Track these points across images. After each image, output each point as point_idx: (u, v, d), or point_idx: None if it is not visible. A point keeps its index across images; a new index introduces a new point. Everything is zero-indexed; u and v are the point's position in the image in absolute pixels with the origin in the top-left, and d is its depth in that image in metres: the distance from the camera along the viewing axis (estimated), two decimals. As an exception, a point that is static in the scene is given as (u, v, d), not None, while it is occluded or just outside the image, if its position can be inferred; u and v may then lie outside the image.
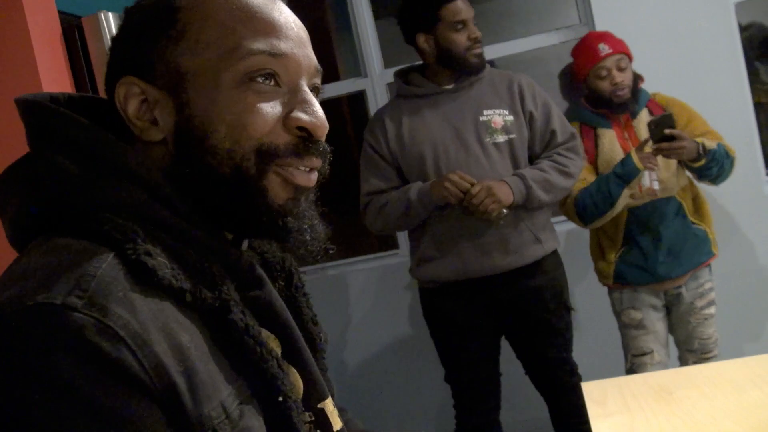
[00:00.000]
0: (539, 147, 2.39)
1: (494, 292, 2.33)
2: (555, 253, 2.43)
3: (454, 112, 2.35)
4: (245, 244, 0.82)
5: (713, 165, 2.35)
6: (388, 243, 3.33)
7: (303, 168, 0.75)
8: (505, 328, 2.43)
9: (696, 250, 2.46)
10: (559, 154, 2.36)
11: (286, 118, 0.74)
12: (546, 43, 3.07)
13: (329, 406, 0.82)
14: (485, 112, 2.34)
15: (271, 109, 0.73)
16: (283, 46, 0.74)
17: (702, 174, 2.40)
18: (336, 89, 3.23)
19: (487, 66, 2.41)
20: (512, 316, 2.38)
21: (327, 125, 0.76)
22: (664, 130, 2.29)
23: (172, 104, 0.73)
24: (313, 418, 0.79)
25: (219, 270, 0.71)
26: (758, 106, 2.96)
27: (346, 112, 3.85)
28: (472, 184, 2.20)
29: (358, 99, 3.29)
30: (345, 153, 3.80)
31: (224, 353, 0.69)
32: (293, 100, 0.75)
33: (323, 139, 0.76)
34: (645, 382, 1.28)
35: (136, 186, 0.70)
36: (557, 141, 2.38)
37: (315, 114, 0.75)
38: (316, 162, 0.76)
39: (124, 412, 0.59)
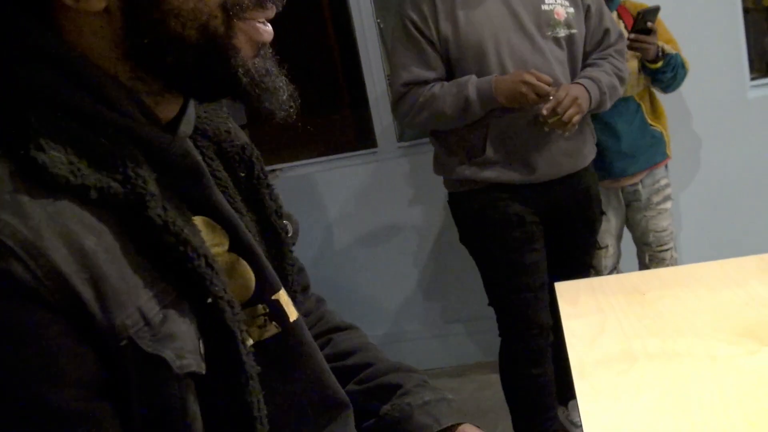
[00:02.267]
0: (590, 45, 2.19)
1: (551, 195, 2.16)
2: None
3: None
4: (189, 129, 0.75)
5: (668, 70, 2.43)
6: (366, 142, 3.28)
7: (267, 17, 0.70)
8: (553, 233, 2.23)
9: (652, 150, 2.55)
10: (614, 56, 2.18)
11: None
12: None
13: (283, 297, 0.78)
14: (547, 0, 2.08)
15: None
16: None
17: (656, 77, 2.47)
18: (315, -20, 3.10)
19: None
20: (563, 220, 2.23)
21: None
22: (647, 22, 2.31)
23: None
24: (267, 310, 0.76)
25: (137, 160, 0.63)
26: (746, 12, 2.92)
27: (326, 9, 3.72)
28: (550, 87, 1.98)
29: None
30: (323, 48, 3.70)
31: (144, 254, 0.62)
32: None
33: None
34: (618, 283, 1.27)
35: (47, 67, 0.62)
36: (610, 41, 2.19)
37: None
38: (275, 11, 0.71)
39: (21, 327, 0.54)
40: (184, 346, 0.63)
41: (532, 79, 1.96)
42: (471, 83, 2.02)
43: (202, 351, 0.65)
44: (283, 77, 0.73)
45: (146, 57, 0.65)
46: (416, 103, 2.07)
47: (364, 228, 3.16)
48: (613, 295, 1.22)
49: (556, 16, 2.06)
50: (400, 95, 2.11)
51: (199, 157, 0.74)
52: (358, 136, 3.72)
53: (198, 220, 0.70)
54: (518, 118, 2.06)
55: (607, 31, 2.18)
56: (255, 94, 0.70)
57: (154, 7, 0.64)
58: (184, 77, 0.67)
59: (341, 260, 3.20)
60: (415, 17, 2.05)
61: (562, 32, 2.07)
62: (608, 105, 2.16)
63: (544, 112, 1.99)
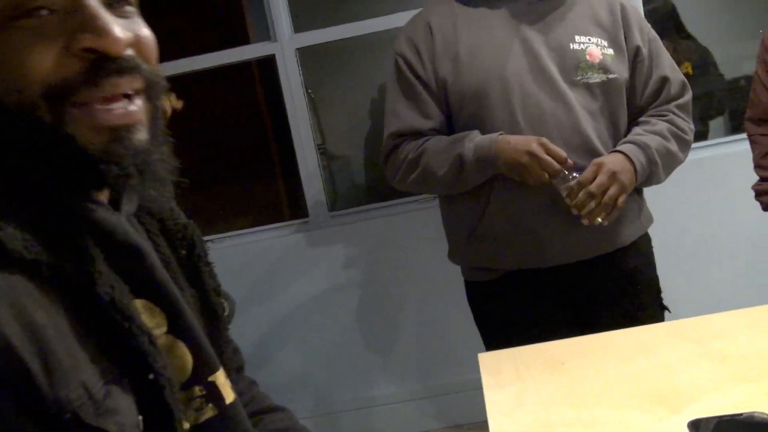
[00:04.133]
0: (644, 98, 1.75)
1: (575, 281, 1.76)
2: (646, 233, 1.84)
3: (535, 32, 1.68)
4: (131, 208, 0.76)
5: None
6: (298, 212, 3.29)
7: (106, 96, 0.65)
8: (580, 324, 1.76)
9: None
10: (675, 113, 1.74)
11: (68, 46, 0.63)
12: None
13: (220, 378, 0.78)
14: (578, 38, 1.68)
15: (48, 42, 0.63)
16: None
17: None
18: (244, 53, 3.14)
19: None
20: (593, 310, 1.79)
21: (120, 35, 0.64)
22: None
23: None
24: (204, 392, 0.76)
25: (85, 240, 0.65)
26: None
27: (256, 77, 3.76)
28: (564, 162, 1.58)
29: (268, 64, 3.22)
30: (254, 118, 3.73)
31: (89, 330, 0.63)
32: (73, 22, 0.64)
33: (124, 53, 0.65)
34: (538, 352, 1.30)
35: None
36: (670, 93, 1.75)
37: (98, 29, 0.63)
38: (126, 83, 0.66)
39: None
40: (125, 421, 0.63)
41: (539, 151, 1.58)
42: (469, 140, 1.65)
43: (141, 428, 0.66)
44: (161, 156, 0.71)
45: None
46: (406, 160, 1.73)
47: (298, 298, 3.14)
48: (534, 365, 1.24)
49: (588, 58, 1.66)
50: (390, 149, 1.77)
51: (141, 238, 0.74)
52: (290, 206, 3.72)
53: (138, 304, 0.70)
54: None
55: (665, 81, 1.74)
56: (119, 179, 0.67)
57: None
58: (34, 175, 0.65)
59: (278, 331, 3.16)
60: (409, 55, 1.74)
61: (595, 77, 1.66)
62: (663, 178, 1.73)
63: (563, 194, 1.61)
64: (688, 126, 1.76)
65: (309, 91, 3.15)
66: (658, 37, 1.78)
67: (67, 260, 0.62)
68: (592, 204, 1.60)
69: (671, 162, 1.73)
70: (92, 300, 0.63)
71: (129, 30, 0.67)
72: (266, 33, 3.13)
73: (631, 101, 1.75)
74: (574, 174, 1.62)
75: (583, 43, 1.67)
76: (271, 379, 3.08)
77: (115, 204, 0.74)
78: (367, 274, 3.09)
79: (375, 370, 3.14)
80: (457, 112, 1.71)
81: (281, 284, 3.12)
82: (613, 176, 1.59)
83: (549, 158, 1.58)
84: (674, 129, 1.72)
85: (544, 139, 1.60)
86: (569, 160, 1.61)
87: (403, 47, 1.76)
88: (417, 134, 1.74)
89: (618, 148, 1.68)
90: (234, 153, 3.62)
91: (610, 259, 1.74)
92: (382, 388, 3.14)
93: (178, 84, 3.02)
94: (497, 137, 1.63)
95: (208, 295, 0.85)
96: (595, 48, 1.67)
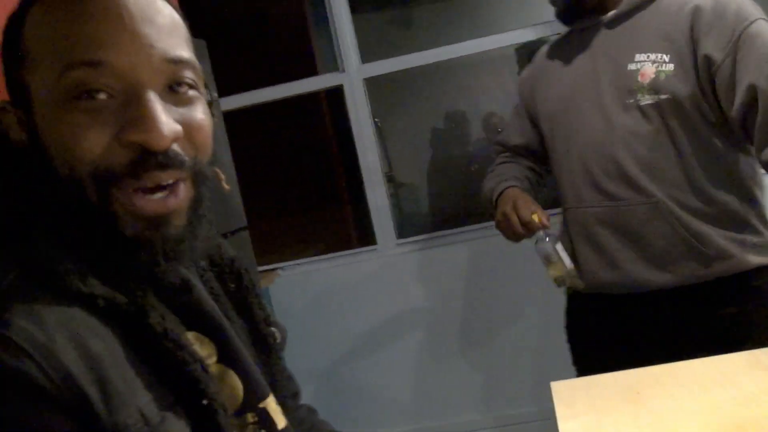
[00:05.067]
0: (735, 111, 1.50)
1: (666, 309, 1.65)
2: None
3: (602, 55, 1.64)
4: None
5: None
6: (367, 239, 3.32)
7: (148, 186, 0.69)
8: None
9: None
10: None
11: (119, 134, 0.67)
12: (523, 39, 3.07)
13: (271, 404, 0.81)
14: (637, 56, 1.58)
15: (102, 127, 0.67)
16: (102, 53, 0.67)
17: None
18: (313, 84, 3.21)
19: None
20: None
21: (166, 132, 0.67)
22: None
23: (27, 124, 0.71)
24: (256, 418, 0.78)
25: (138, 274, 0.69)
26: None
27: (324, 107, 3.84)
28: (529, 224, 1.64)
29: (336, 94, 3.28)
30: (323, 148, 3.79)
31: (144, 360, 0.67)
32: (129, 112, 0.68)
33: (166, 148, 0.68)
34: (613, 382, 1.28)
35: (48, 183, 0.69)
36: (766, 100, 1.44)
37: (148, 126, 0.67)
38: (167, 176, 0.69)
39: (31, 424, 0.57)
40: None
41: (510, 213, 1.67)
42: (497, 182, 1.79)
43: None
44: (200, 231, 0.74)
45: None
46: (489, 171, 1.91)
47: (366, 325, 3.16)
48: (609, 395, 1.23)
49: (639, 78, 1.56)
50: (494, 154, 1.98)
51: (189, 273, 0.78)
52: (359, 233, 3.76)
53: (189, 336, 0.73)
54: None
55: (752, 90, 1.46)
56: (146, 265, 0.70)
57: (46, 167, 0.69)
58: (80, 243, 0.68)
59: (347, 358, 3.18)
60: (522, 76, 1.89)
61: (646, 99, 1.55)
62: None
63: (538, 255, 1.67)
64: None
65: (376, 120, 3.20)
66: (755, 35, 1.47)
67: (120, 294, 0.66)
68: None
69: None
70: (145, 331, 0.67)
71: (181, 120, 0.71)
72: (333, 64, 3.20)
73: (728, 115, 1.53)
74: (546, 235, 1.65)
75: (641, 62, 1.57)
76: (339, 404, 3.10)
77: None
78: (433, 301, 3.09)
79: (443, 397, 3.13)
80: (544, 134, 1.80)
81: (350, 311, 3.15)
82: None
83: (514, 220, 1.66)
84: None
85: (519, 201, 1.67)
86: (538, 222, 1.64)
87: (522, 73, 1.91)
88: (503, 147, 1.93)
89: None
90: (303, 182, 3.68)
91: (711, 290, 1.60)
92: (451, 416, 3.13)
93: (249, 115, 3.11)
94: (503, 189, 1.76)
95: (258, 325, 0.88)
96: (650, 67, 1.56)
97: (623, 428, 1.09)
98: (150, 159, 0.67)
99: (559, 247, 1.67)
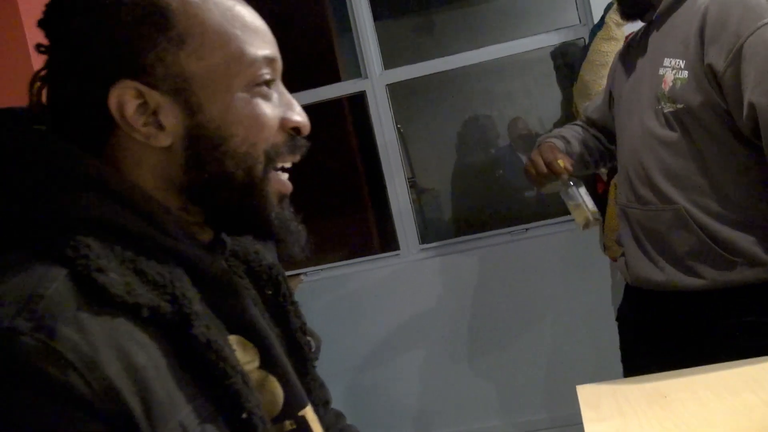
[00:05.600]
0: (744, 124, 1.47)
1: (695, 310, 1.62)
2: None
3: (646, 57, 1.64)
4: (224, 250, 0.82)
5: None
6: (389, 244, 3.32)
7: (288, 165, 0.79)
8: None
9: None
10: None
11: (282, 120, 0.77)
12: (546, 43, 3.06)
13: (309, 413, 0.81)
14: (666, 61, 1.55)
15: (274, 111, 0.76)
16: (271, 50, 0.77)
17: None
18: (336, 90, 3.23)
19: None
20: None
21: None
22: None
23: (180, 109, 0.72)
24: (294, 426, 0.78)
25: (183, 280, 0.69)
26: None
27: (347, 113, 3.85)
28: (554, 172, 1.72)
29: (358, 100, 3.29)
30: (346, 154, 3.80)
31: (186, 369, 0.67)
32: (282, 101, 0.78)
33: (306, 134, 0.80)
34: (639, 386, 1.28)
35: (100, 194, 0.68)
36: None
37: (302, 113, 0.79)
38: (298, 158, 0.80)
39: None
40: None
41: (537, 159, 1.76)
42: (551, 134, 1.90)
43: None
44: (300, 225, 0.81)
45: (199, 192, 0.74)
46: None
47: (388, 330, 3.17)
48: (635, 399, 1.22)
49: (662, 86, 1.54)
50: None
51: (235, 278, 0.80)
52: (381, 238, 3.76)
53: (232, 339, 0.73)
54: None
55: (751, 109, 1.43)
56: (282, 236, 0.78)
57: (215, 148, 0.73)
58: (226, 213, 0.76)
59: (369, 363, 3.19)
60: (612, 63, 1.91)
61: (668, 107, 1.53)
62: None
63: (564, 200, 1.77)
64: None
65: (399, 125, 3.21)
66: (758, 44, 1.41)
67: (165, 302, 0.66)
68: None
69: None
70: (189, 340, 0.67)
71: None
72: (356, 70, 3.21)
73: (738, 124, 1.50)
74: (571, 183, 1.72)
75: (666, 67, 1.54)
76: (360, 409, 3.10)
77: (210, 247, 0.79)
78: (455, 306, 3.09)
79: (463, 402, 3.13)
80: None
81: (373, 315, 3.16)
82: None
83: (539, 162, 1.73)
84: None
85: (544, 146, 1.77)
86: (562, 165, 1.72)
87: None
88: (584, 115, 1.99)
89: None
90: (326, 187, 3.69)
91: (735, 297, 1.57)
92: (471, 421, 3.12)
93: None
94: (541, 143, 1.83)
95: (294, 333, 0.88)
96: (670, 73, 1.53)
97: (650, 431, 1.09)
98: (299, 141, 0.79)
99: (583, 191, 1.73)
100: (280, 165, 0.78)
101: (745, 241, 1.54)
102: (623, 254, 1.80)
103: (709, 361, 1.32)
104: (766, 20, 1.42)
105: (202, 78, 0.72)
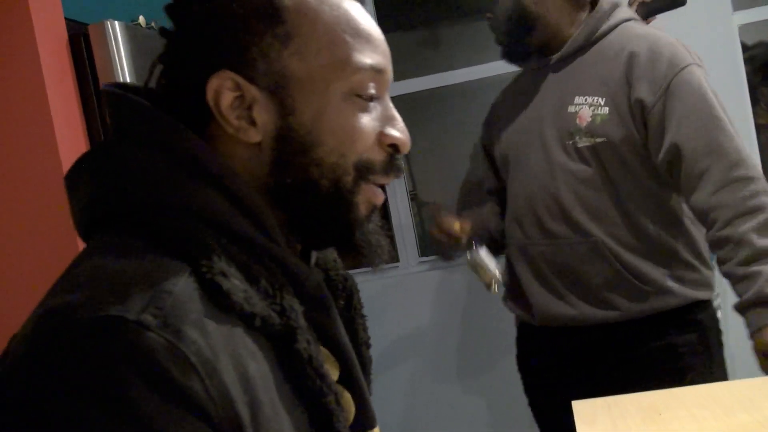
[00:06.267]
0: (659, 160, 1.58)
1: (600, 342, 1.70)
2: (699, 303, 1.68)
3: (547, 97, 1.70)
4: (313, 260, 0.80)
5: None
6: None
7: (383, 183, 0.76)
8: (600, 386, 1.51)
9: None
10: (743, 209, 1.49)
11: (381, 134, 0.74)
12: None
13: None
14: (577, 98, 1.63)
15: (371, 124, 0.73)
16: (382, 61, 0.74)
17: None
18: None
19: (620, 24, 1.66)
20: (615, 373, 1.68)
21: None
22: None
23: (275, 107, 0.70)
24: None
25: (289, 292, 0.68)
26: (759, 127, 2.98)
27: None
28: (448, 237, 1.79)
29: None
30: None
31: (287, 380, 0.66)
32: (384, 115, 0.75)
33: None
34: (634, 402, 1.28)
35: (217, 192, 0.67)
36: (687, 165, 1.52)
37: (404, 130, 0.75)
38: (393, 179, 0.77)
39: None
40: None
41: (433, 231, 1.81)
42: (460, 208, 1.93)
43: None
44: (384, 237, 0.79)
45: (284, 196, 0.72)
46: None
47: (386, 341, 3.17)
48: (629, 415, 1.23)
49: (577, 121, 1.61)
50: None
51: (327, 291, 0.76)
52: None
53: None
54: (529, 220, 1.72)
55: (676, 150, 1.52)
56: (362, 249, 0.76)
57: (302, 154, 0.70)
58: (309, 221, 0.74)
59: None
60: (483, 128, 1.96)
61: (583, 141, 1.61)
62: None
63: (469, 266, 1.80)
64: (760, 202, 1.49)
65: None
66: (684, 82, 1.53)
67: (275, 313, 0.65)
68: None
69: None
70: (291, 353, 0.66)
71: None
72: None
73: (654, 159, 1.60)
74: (474, 243, 1.75)
75: (579, 104, 1.63)
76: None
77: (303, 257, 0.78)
78: (454, 320, 3.09)
79: (466, 417, 3.12)
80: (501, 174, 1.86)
81: (372, 327, 3.15)
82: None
83: (442, 234, 1.76)
84: (757, 225, 1.48)
85: (441, 216, 1.77)
86: (459, 229, 1.74)
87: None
88: (465, 184, 2.08)
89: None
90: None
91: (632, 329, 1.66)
92: (469, 436, 3.12)
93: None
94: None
95: (360, 348, 0.85)
96: (587, 110, 1.61)
97: (644, 448, 1.09)
98: (397, 161, 0.75)
99: (484, 253, 1.76)
100: (378, 182, 0.75)
101: (656, 271, 1.63)
102: (512, 297, 1.83)
103: (625, 390, 1.34)
104: (690, 62, 1.55)
105: (301, 79, 0.70)
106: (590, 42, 1.67)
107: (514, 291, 1.82)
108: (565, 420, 1.27)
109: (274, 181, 0.71)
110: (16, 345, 0.58)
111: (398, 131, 0.74)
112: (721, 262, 1.55)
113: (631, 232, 1.64)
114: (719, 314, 2.33)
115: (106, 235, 0.65)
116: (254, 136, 0.70)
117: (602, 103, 1.60)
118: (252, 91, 0.69)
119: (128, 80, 1.88)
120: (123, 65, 1.94)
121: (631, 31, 1.65)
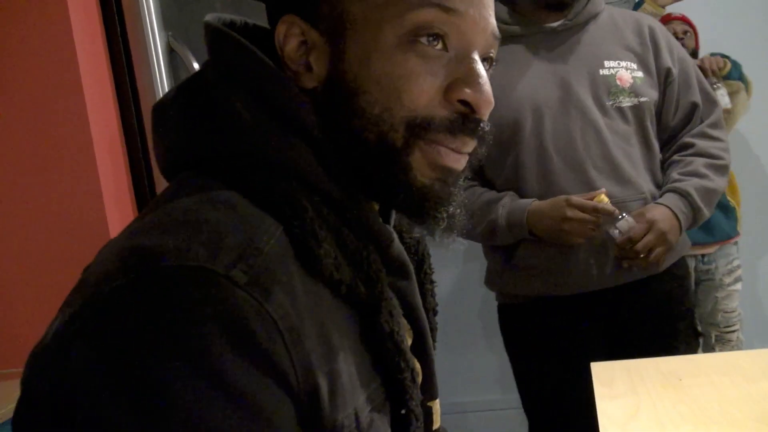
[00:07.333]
0: (676, 120, 1.80)
1: (607, 307, 1.76)
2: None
3: (563, 61, 1.74)
4: (392, 221, 0.74)
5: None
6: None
7: (453, 147, 0.65)
8: (608, 349, 1.77)
9: (726, 223, 2.54)
10: (707, 136, 1.77)
11: (448, 89, 0.64)
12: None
13: (436, 405, 0.77)
14: (607, 63, 1.73)
15: (432, 77, 0.63)
16: (458, 1, 0.63)
17: None
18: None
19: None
20: (625, 335, 1.80)
21: (492, 102, 0.65)
22: None
23: (329, 52, 0.64)
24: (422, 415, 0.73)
25: (376, 260, 0.63)
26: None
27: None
28: (607, 210, 1.62)
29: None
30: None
31: (367, 350, 0.64)
32: (459, 69, 0.64)
33: (485, 118, 0.66)
34: (654, 366, 1.28)
35: (310, 149, 0.62)
36: (701, 116, 1.80)
37: (481, 88, 0.64)
38: (470, 144, 0.66)
39: (264, 406, 0.52)
40: None
41: (576, 214, 1.63)
42: (502, 205, 1.73)
43: None
44: (459, 210, 0.69)
45: (338, 150, 0.64)
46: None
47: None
48: (649, 379, 1.22)
49: (618, 82, 1.71)
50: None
51: (407, 257, 0.72)
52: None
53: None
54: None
55: (695, 107, 1.79)
56: (427, 216, 0.66)
57: (345, 102, 0.64)
58: (364, 179, 0.65)
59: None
60: None
61: (627, 101, 1.71)
62: (707, 214, 1.75)
63: (615, 250, 1.69)
64: (722, 146, 1.78)
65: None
66: (688, 57, 1.84)
67: (362, 282, 0.62)
68: (640, 255, 1.67)
69: (713, 198, 1.75)
70: (373, 325, 0.63)
71: None
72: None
73: (664, 122, 1.80)
74: (620, 215, 1.65)
75: (613, 67, 1.73)
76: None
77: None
78: (474, 282, 3.09)
79: (464, 377, 3.15)
80: (495, 143, 1.67)
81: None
82: (662, 236, 1.66)
83: (586, 216, 1.63)
84: (710, 161, 1.74)
85: (573, 199, 1.63)
86: (605, 205, 1.63)
87: None
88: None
89: (664, 201, 1.70)
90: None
91: (642, 286, 1.74)
92: (473, 394, 3.15)
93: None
94: (528, 207, 1.69)
95: (428, 313, 0.79)
96: (624, 72, 1.73)
97: (663, 413, 1.09)
98: (470, 123, 0.64)
99: (629, 217, 1.68)
100: (443, 144, 0.64)
101: None
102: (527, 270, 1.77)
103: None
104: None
105: (356, 21, 0.63)
106: (593, 15, 1.79)
107: (528, 267, 1.77)
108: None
109: (325, 131, 0.64)
110: (96, 279, 0.54)
111: (471, 87, 0.63)
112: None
113: (658, 188, 1.78)
114: (739, 285, 2.44)
115: (199, 177, 0.62)
116: (308, 81, 0.65)
117: (635, 67, 1.74)
118: (313, 35, 0.65)
119: (155, 27, 1.85)
120: (151, 10, 1.91)
121: (617, 9, 1.89)
